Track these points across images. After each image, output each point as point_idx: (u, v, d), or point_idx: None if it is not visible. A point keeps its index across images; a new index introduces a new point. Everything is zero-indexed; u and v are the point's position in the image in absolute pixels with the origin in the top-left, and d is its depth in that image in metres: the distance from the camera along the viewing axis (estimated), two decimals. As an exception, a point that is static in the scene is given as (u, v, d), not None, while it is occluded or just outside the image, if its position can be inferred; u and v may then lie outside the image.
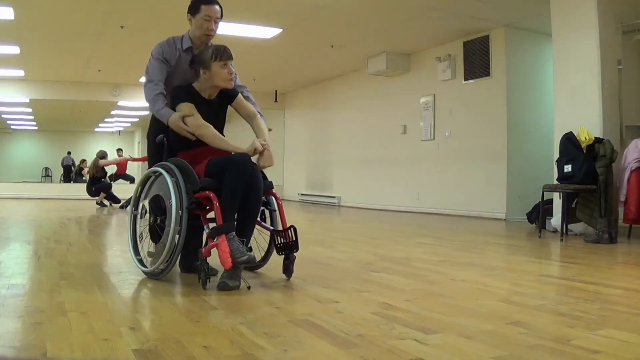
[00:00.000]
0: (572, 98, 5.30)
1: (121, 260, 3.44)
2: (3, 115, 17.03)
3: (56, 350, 1.62)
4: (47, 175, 19.93)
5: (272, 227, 2.92)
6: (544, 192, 5.09)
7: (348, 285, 2.68)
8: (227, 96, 2.90)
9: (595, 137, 4.82)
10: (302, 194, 12.21)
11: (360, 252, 3.98)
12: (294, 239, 2.76)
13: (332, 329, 1.88)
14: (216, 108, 2.87)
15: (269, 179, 2.96)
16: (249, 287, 2.55)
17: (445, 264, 3.41)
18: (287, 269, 2.81)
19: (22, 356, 1.57)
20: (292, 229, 2.76)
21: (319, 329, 1.87)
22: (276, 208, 2.94)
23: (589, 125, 4.94)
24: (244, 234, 2.60)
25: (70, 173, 18.66)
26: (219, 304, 2.26)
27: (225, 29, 7.37)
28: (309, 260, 3.51)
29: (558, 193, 5.13)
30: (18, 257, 3.50)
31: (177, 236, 2.57)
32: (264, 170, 2.83)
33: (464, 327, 1.91)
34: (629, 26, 5.38)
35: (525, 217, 6.28)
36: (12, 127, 19.88)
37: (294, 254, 2.81)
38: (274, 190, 2.96)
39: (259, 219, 2.86)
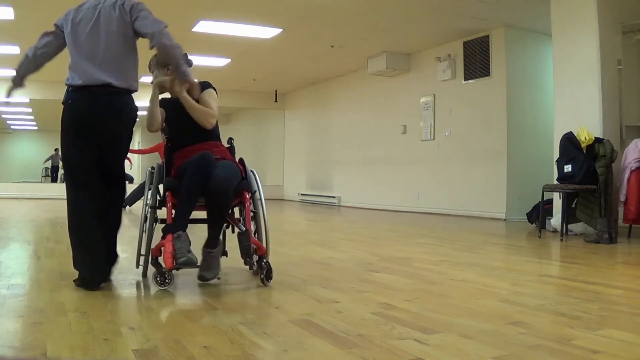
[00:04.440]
0: (572, 98, 5.30)
1: (121, 260, 3.43)
2: (3, 115, 17.05)
3: (56, 350, 1.62)
4: (47, 175, 19.97)
5: (244, 228, 2.69)
6: (544, 192, 5.09)
7: (348, 285, 2.68)
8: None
9: (595, 137, 4.82)
10: (302, 194, 12.21)
11: (360, 252, 3.98)
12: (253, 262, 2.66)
13: (332, 329, 1.88)
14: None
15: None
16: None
17: (445, 264, 3.41)
18: (256, 272, 2.76)
19: (22, 356, 1.57)
20: (264, 262, 2.66)
21: (319, 329, 1.87)
22: (260, 209, 2.82)
23: (589, 125, 4.93)
24: (210, 228, 2.64)
25: (57, 172, 18.74)
26: (218, 304, 2.26)
27: (226, 29, 7.38)
28: (309, 260, 3.51)
29: (558, 193, 5.12)
30: (18, 257, 3.50)
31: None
32: (248, 169, 2.83)
33: (464, 327, 1.91)
34: (629, 26, 5.37)
35: (525, 217, 6.28)
36: (12, 127, 19.91)
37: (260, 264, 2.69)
38: (257, 191, 2.83)
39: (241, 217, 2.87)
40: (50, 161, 19.17)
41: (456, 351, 1.65)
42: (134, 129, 2.81)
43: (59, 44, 2.65)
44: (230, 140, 3.05)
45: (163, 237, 2.49)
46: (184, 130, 2.82)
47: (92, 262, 2.50)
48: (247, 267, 2.79)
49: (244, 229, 2.67)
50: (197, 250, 2.60)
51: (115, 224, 2.74)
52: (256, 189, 2.80)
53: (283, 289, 2.60)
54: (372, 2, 6.30)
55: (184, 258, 2.41)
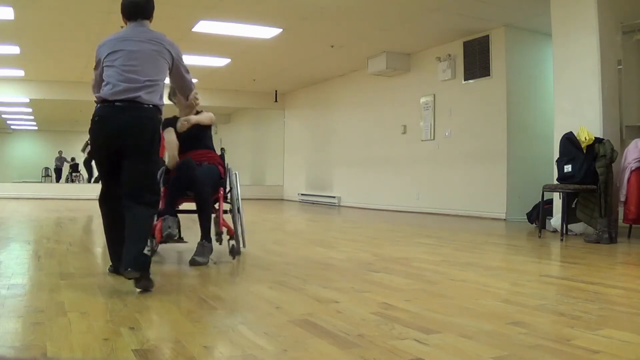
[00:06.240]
0: (572, 98, 5.30)
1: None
2: (3, 115, 17.04)
3: (56, 350, 1.62)
4: (47, 175, 19.95)
5: (215, 214, 3.51)
6: (544, 192, 5.08)
7: (348, 285, 2.68)
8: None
9: (595, 137, 4.82)
10: (302, 194, 12.21)
11: (360, 252, 3.98)
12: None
13: (332, 329, 1.88)
14: (196, 126, 3.53)
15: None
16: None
17: (445, 264, 3.41)
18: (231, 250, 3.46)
19: (22, 356, 1.57)
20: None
21: (319, 329, 1.87)
22: (234, 203, 3.63)
23: (589, 125, 4.93)
24: (201, 221, 3.35)
25: (61, 174, 18.77)
26: (218, 304, 2.26)
27: (226, 29, 7.38)
28: (309, 260, 3.51)
29: (558, 193, 5.12)
30: (18, 257, 3.50)
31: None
32: (232, 172, 3.65)
33: (464, 327, 1.91)
34: (629, 26, 5.37)
35: (525, 217, 6.28)
36: (12, 127, 19.89)
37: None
38: (233, 188, 3.63)
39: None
40: (56, 162, 19.17)
41: (456, 351, 1.65)
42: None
43: None
44: (222, 149, 3.79)
45: (156, 220, 3.03)
46: (184, 140, 3.49)
47: (114, 256, 2.81)
48: (218, 243, 3.49)
49: (216, 215, 3.50)
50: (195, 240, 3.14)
51: (134, 236, 2.52)
52: (232, 186, 3.62)
53: (283, 289, 2.60)
54: (372, 2, 6.30)
55: (166, 232, 3.16)
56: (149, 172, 2.70)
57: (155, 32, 2.79)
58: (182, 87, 3.02)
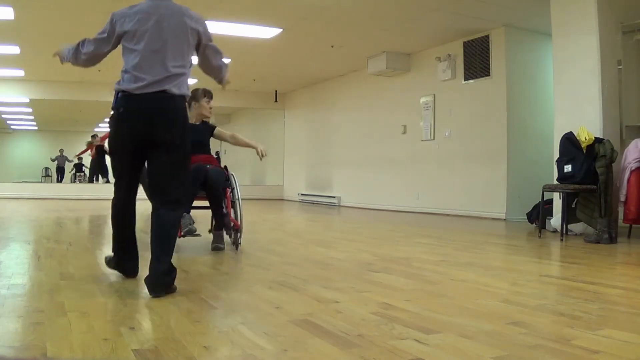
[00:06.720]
0: (572, 98, 5.30)
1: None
2: (3, 115, 17.03)
3: (56, 350, 1.62)
4: (47, 175, 19.97)
5: (226, 211, 3.99)
6: (544, 192, 5.08)
7: (348, 285, 2.68)
8: (209, 127, 4.15)
9: (595, 137, 4.82)
10: (302, 194, 12.21)
11: (360, 252, 3.98)
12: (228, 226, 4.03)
13: (332, 329, 1.88)
14: (202, 130, 4.07)
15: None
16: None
17: (445, 264, 3.41)
18: (233, 242, 4.04)
19: (22, 356, 1.57)
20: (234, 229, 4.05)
21: (319, 329, 1.87)
22: (237, 201, 4.11)
23: (589, 125, 4.93)
24: (214, 215, 3.98)
25: (63, 173, 18.78)
26: (218, 304, 2.26)
27: (226, 29, 7.38)
28: (309, 260, 3.51)
29: (558, 193, 5.12)
30: (18, 257, 3.50)
31: None
32: (230, 173, 4.14)
33: (464, 327, 1.91)
34: (629, 26, 5.37)
35: (525, 217, 6.27)
36: (12, 127, 19.89)
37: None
38: (229, 187, 4.08)
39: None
40: (56, 161, 19.16)
41: (456, 351, 1.65)
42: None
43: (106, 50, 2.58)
44: (217, 152, 4.40)
45: None
46: (193, 145, 3.88)
47: (121, 255, 2.78)
48: (227, 236, 4.09)
49: (226, 211, 3.97)
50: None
51: (160, 252, 2.41)
52: (234, 186, 4.11)
53: (283, 289, 2.60)
54: (372, 2, 6.30)
55: (186, 229, 3.59)
56: (182, 164, 2.51)
57: (179, 6, 2.50)
58: (210, 68, 2.72)
